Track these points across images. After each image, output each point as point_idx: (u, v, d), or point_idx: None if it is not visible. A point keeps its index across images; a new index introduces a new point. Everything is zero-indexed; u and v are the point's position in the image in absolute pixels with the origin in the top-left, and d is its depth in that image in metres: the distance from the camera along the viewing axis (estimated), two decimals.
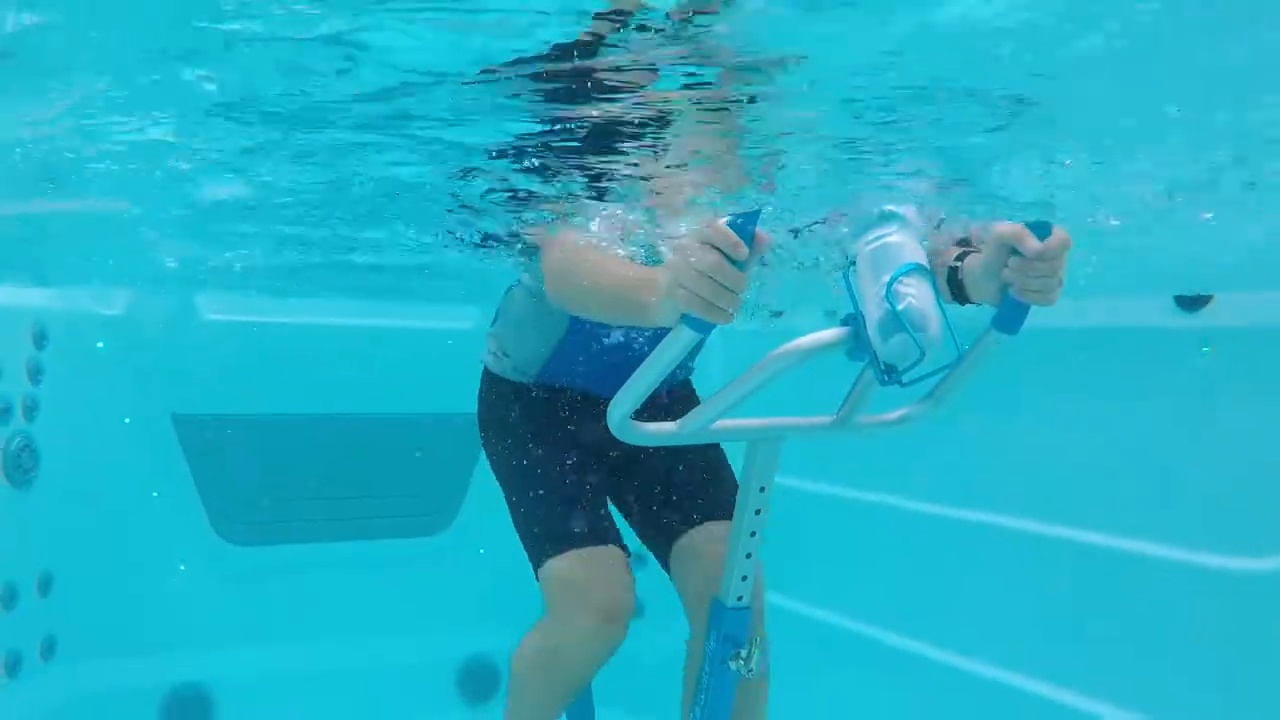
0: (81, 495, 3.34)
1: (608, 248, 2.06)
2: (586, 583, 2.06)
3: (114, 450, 3.47)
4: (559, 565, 2.09)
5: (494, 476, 2.38)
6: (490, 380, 2.44)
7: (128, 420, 3.51)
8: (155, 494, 3.58)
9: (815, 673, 3.24)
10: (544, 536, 2.15)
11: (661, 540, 2.31)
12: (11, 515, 3.16)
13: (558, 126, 1.49)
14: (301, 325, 3.78)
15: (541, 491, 2.21)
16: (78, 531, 3.33)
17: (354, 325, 3.84)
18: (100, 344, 3.43)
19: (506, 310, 2.46)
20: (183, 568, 3.62)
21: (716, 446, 2.38)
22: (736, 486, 2.00)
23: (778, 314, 3.56)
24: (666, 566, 2.32)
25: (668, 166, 1.66)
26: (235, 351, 3.62)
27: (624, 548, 2.17)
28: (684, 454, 2.35)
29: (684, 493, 2.31)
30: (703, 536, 2.24)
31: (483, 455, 2.44)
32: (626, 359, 2.20)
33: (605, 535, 2.15)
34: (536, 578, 2.15)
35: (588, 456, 2.30)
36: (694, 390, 2.56)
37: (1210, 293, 2.52)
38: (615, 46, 1.17)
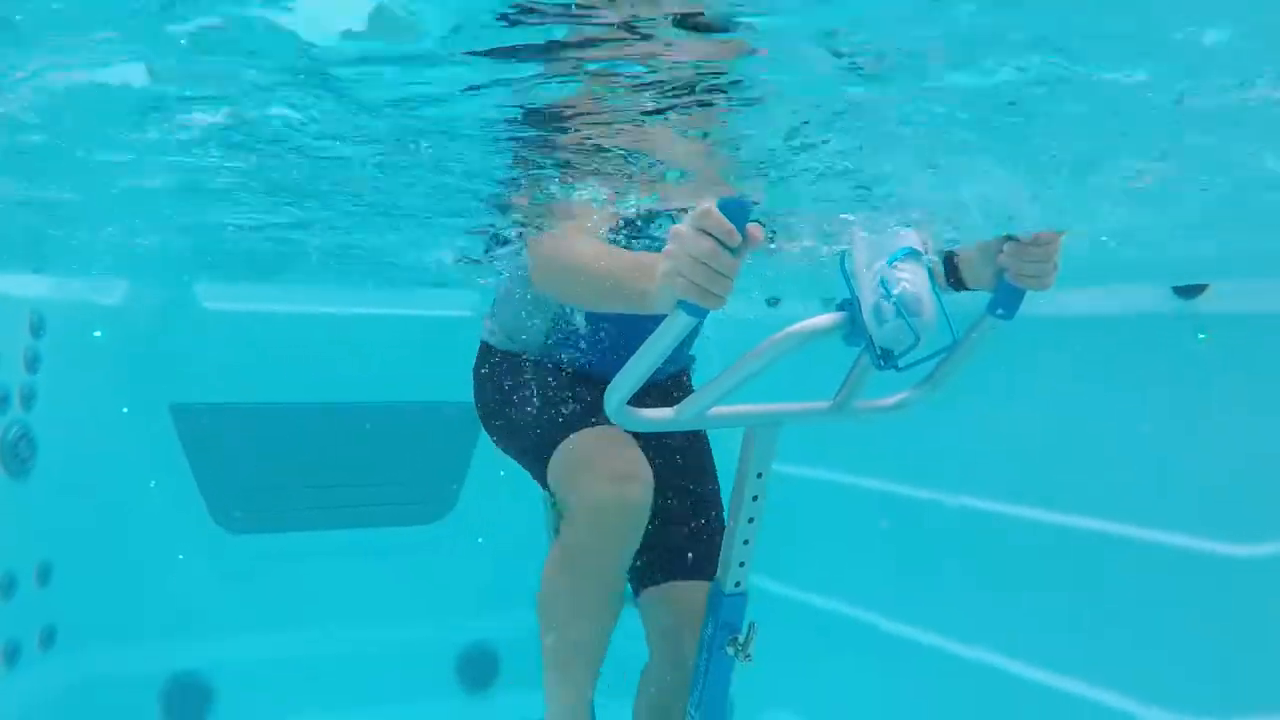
0: (79, 485, 3.34)
1: (595, 229, 2.05)
2: (593, 453, 1.95)
3: (112, 440, 3.48)
4: (567, 443, 2.00)
5: (497, 445, 2.33)
6: (489, 353, 2.43)
7: (125, 409, 3.51)
8: (153, 483, 3.58)
9: (810, 659, 3.25)
10: (554, 434, 2.04)
11: (646, 576, 2.26)
12: (9, 505, 3.16)
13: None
14: (299, 314, 3.78)
15: (542, 409, 2.14)
16: (76, 521, 3.33)
17: (351, 314, 3.84)
18: (98, 333, 3.43)
19: (505, 292, 2.46)
20: (181, 557, 3.63)
21: (719, 502, 2.35)
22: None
23: (774, 301, 3.58)
24: (636, 595, 2.26)
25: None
26: (233, 341, 3.62)
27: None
28: (689, 493, 2.32)
29: (683, 537, 2.27)
30: (688, 592, 2.19)
31: (481, 441, 2.43)
32: (628, 337, 2.19)
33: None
34: (550, 488, 2.05)
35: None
36: (692, 382, 2.56)
37: (1207, 281, 2.53)
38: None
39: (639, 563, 2.24)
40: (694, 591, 2.15)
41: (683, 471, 2.32)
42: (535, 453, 2.11)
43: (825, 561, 3.38)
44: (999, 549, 2.91)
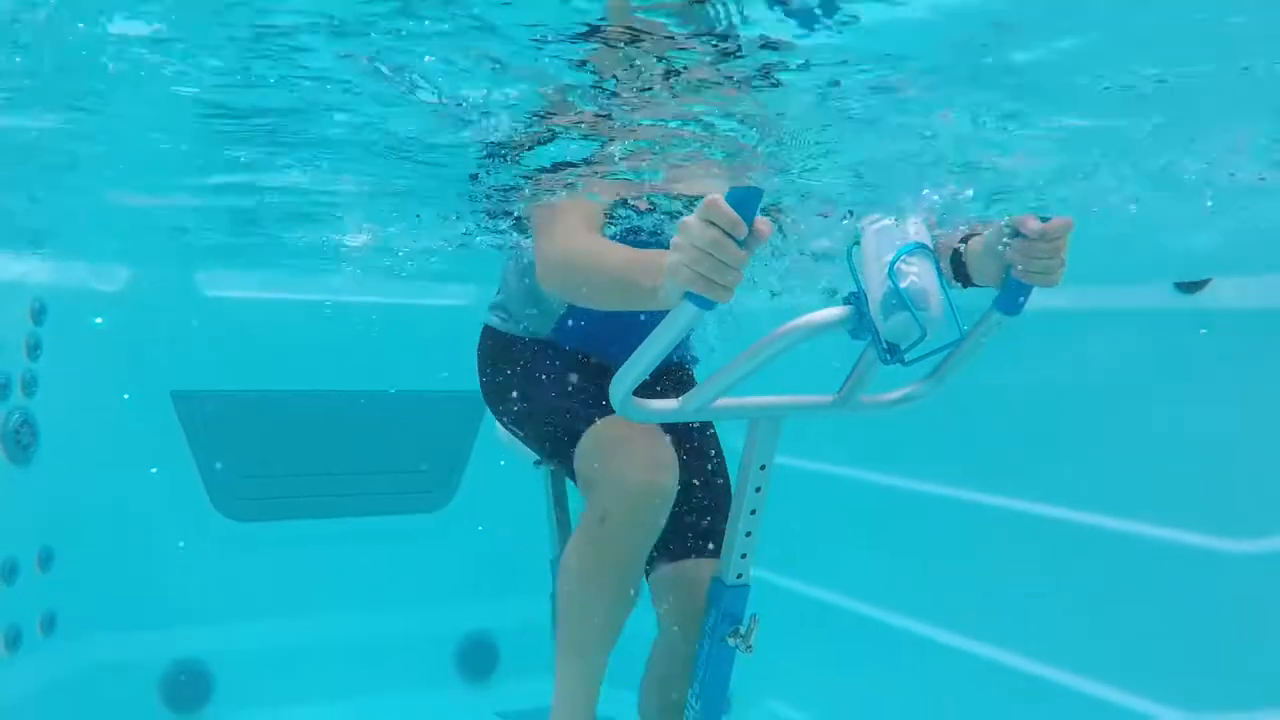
0: (81, 471, 3.35)
1: (601, 211, 2.04)
2: (629, 437, 1.96)
3: (113, 426, 3.48)
4: (597, 428, 2.03)
5: (505, 428, 2.33)
6: (494, 337, 2.41)
7: (127, 396, 3.51)
8: (154, 470, 3.59)
9: (804, 649, 3.26)
10: (576, 420, 2.07)
11: (657, 556, 2.22)
12: (11, 491, 3.16)
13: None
14: (300, 302, 3.78)
15: (560, 395, 2.16)
16: (77, 507, 3.34)
17: (353, 302, 3.84)
18: (99, 320, 3.43)
19: (510, 276, 2.45)
20: (182, 544, 3.64)
21: (726, 476, 2.34)
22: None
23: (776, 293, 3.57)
24: (647, 576, 2.24)
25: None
26: (234, 328, 3.63)
27: None
28: (696, 470, 2.30)
29: (691, 515, 2.25)
30: (699, 570, 2.18)
31: (482, 431, 2.43)
32: (636, 321, 2.17)
33: None
34: (574, 472, 2.05)
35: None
36: (691, 373, 2.54)
37: (1208, 277, 2.53)
38: None
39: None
40: (704, 569, 2.14)
41: (691, 450, 2.31)
42: (559, 439, 2.12)
43: (820, 552, 3.39)
44: (995, 542, 2.92)
